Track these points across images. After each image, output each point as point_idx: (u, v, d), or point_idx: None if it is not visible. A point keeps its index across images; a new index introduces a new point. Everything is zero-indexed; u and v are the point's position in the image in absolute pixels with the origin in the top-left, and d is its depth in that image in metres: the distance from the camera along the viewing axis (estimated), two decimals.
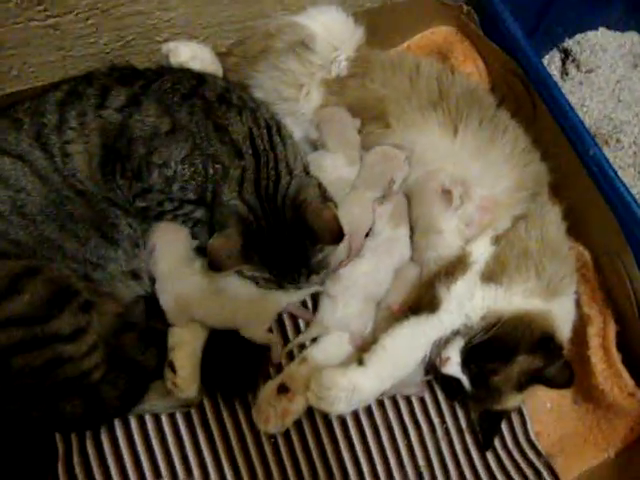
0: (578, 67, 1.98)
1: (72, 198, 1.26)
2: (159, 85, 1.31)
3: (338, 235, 1.25)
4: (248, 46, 1.54)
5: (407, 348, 1.29)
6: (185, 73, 1.37)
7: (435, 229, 1.40)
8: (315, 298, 1.45)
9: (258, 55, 1.50)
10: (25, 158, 1.24)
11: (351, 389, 1.22)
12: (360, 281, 1.38)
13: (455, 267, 1.35)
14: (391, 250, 1.42)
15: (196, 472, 1.34)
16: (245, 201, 1.27)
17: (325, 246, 1.30)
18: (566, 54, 2.03)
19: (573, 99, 1.89)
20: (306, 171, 1.37)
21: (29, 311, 1.14)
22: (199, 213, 1.32)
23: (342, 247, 1.39)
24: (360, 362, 1.26)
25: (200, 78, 1.36)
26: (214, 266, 1.24)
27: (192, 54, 1.44)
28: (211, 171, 1.27)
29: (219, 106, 1.30)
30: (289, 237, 1.27)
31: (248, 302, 1.35)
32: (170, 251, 1.34)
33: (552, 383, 1.32)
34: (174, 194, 1.29)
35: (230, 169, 1.27)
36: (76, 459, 1.30)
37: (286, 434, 1.37)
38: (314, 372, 1.29)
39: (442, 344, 1.31)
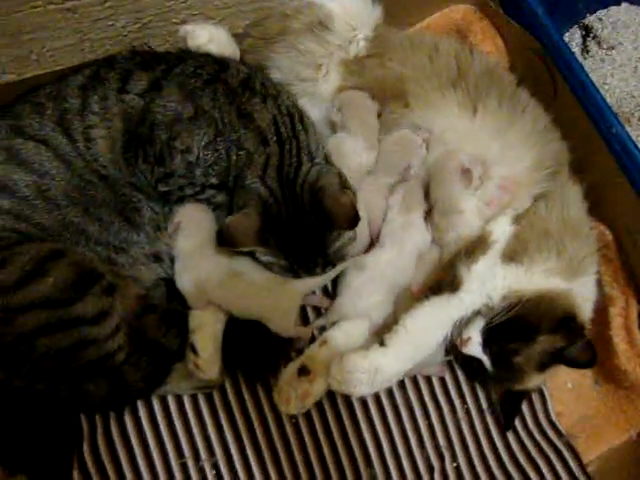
0: (599, 44, 1.94)
1: (95, 182, 1.26)
2: (181, 70, 1.30)
3: (354, 219, 1.26)
4: (265, 27, 1.53)
5: (428, 328, 1.29)
6: (207, 58, 1.37)
7: (455, 209, 1.39)
8: (334, 283, 1.45)
9: (276, 36, 1.50)
10: (48, 142, 1.24)
11: (373, 371, 1.23)
12: (385, 271, 1.38)
13: (476, 247, 1.34)
14: (410, 234, 1.42)
15: (218, 452, 1.35)
16: (267, 185, 1.27)
17: (342, 234, 1.30)
18: (587, 31, 1.99)
19: (594, 77, 1.84)
20: (327, 161, 1.37)
21: (54, 294, 1.15)
22: (220, 198, 1.33)
23: (364, 236, 1.41)
24: (381, 343, 1.26)
25: (222, 63, 1.35)
26: (227, 242, 1.25)
27: (209, 36, 1.43)
28: (234, 157, 1.27)
29: (242, 92, 1.31)
30: (307, 224, 1.27)
31: (267, 289, 1.34)
32: (195, 230, 1.35)
33: (574, 363, 1.31)
34: (196, 179, 1.29)
35: (255, 155, 1.27)
36: (100, 439, 1.32)
37: (307, 415, 1.38)
38: (335, 355, 1.29)
39: (463, 324, 1.31)
